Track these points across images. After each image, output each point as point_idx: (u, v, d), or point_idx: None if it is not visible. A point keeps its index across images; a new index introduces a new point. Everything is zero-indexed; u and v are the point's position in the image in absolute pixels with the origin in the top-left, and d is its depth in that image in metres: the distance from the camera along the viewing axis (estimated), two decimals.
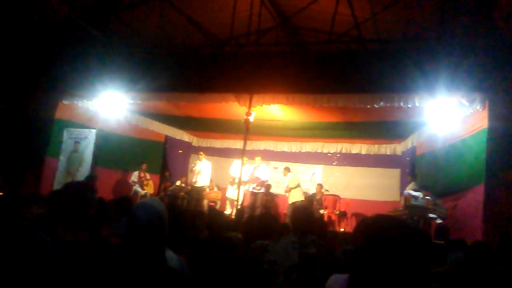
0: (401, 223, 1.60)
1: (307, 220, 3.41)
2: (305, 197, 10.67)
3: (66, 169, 9.61)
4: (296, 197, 10.33)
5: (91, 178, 8.98)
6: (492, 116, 6.28)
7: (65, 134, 9.71)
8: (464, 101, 6.48)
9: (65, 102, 9.35)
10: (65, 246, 2.23)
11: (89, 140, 9.61)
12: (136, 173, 11.31)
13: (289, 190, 10.52)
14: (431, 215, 7.89)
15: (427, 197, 8.00)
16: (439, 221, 7.83)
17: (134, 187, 11.14)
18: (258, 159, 10.78)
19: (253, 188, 10.63)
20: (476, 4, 6.52)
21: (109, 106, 9.17)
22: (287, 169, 10.84)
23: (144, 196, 10.92)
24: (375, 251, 1.51)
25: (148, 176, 11.50)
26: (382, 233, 1.53)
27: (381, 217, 1.63)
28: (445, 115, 7.26)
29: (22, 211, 2.38)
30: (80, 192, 2.35)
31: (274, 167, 12.88)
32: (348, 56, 7.44)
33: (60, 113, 9.58)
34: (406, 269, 1.48)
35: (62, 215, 2.27)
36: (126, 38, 8.87)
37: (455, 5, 6.69)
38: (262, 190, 10.65)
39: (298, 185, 10.54)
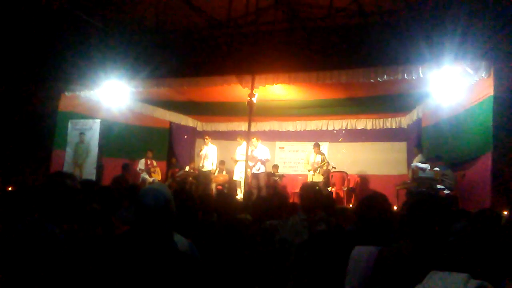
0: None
1: (315, 197, 3.42)
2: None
3: (73, 160, 9.67)
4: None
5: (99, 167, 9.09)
6: (497, 84, 6.21)
7: (70, 126, 9.75)
8: (469, 70, 6.39)
9: (67, 93, 9.36)
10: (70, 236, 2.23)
11: (94, 131, 9.63)
12: (142, 161, 11.36)
13: (316, 169, 10.39)
14: (439, 186, 7.88)
15: (435, 168, 7.97)
16: (447, 191, 7.82)
17: (141, 174, 11.21)
18: (254, 140, 10.71)
19: (252, 167, 10.55)
20: None
21: (112, 95, 9.16)
22: (317, 146, 10.59)
23: (152, 183, 10.99)
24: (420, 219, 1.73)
25: (155, 163, 11.55)
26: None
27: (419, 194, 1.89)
28: (450, 85, 7.19)
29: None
30: (57, 182, 2.30)
31: (280, 147, 12.88)
32: (348, 30, 7.35)
33: (63, 105, 9.62)
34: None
35: (47, 208, 2.24)
36: (125, 25, 8.79)
37: None
38: (262, 169, 10.62)
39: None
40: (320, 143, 10.76)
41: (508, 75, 6.13)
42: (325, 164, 10.30)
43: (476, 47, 6.13)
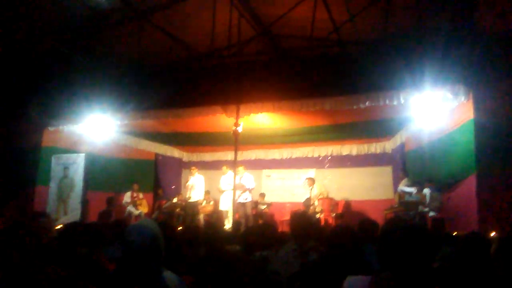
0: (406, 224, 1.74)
1: (306, 226, 3.40)
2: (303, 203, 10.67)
3: (58, 195, 9.50)
4: None
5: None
6: (477, 107, 6.36)
7: (53, 161, 9.62)
8: (449, 94, 6.54)
9: (50, 128, 9.28)
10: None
11: (78, 165, 9.51)
12: (128, 194, 11.22)
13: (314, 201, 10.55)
14: (425, 209, 7.94)
15: (424, 190, 8.04)
16: (431, 214, 7.88)
17: (127, 207, 11.05)
18: (241, 168, 10.71)
19: (239, 196, 10.52)
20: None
21: (96, 128, 9.12)
22: (312, 180, 10.82)
23: (139, 215, 10.83)
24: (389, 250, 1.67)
25: (141, 195, 11.42)
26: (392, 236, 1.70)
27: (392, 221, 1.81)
28: (431, 110, 7.33)
29: None
30: (26, 222, 2.28)
31: (266, 175, 12.86)
32: (330, 59, 7.50)
33: (46, 140, 9.50)
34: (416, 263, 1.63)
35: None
36: (108, 59, 8.83)
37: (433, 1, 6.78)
38: (249, 198, 10.59)
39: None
40: (306, 169, 10.81)
41: (487, 98, 6.28)
42: (325, 193, 10.46)
43: (454, 72, 6.27)
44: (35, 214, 2.50)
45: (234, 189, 8.51)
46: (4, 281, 2.04)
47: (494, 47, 6.19)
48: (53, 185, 9.54)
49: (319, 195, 10.60)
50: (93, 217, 9.61)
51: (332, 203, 10.86)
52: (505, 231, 5.39)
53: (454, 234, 5.83)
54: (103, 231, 3.65)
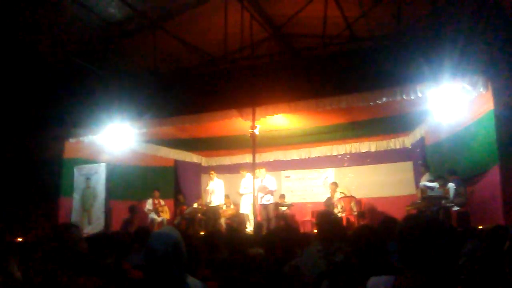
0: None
1: (332, 227, 3.37)
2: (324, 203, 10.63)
3: (81, 206, 9.66)
4: None
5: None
6: (497, 98, 6.24)
7: (76, 172, 9.78)
8: (467, 86, 6.43)
9: (71, 140, 9.44)
10: None
11: (99, 175, 9.65)
12: (150, 201, 11.31)
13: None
14: (449, 204, 7.81)
15: (449, 184, 7.90)
16: (456, 208, 7.74)
17: (149, 215, 11.15)
18: (262, 171, 10.72)
19: (262, 198, 10.54)
20: None
21: (115, 138, 9.23)
22: (335, 185, 10.81)
23: (161, 222, 10.92)
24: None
25: (162, 202, 11.50)
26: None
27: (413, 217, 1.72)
28: (450, 102, 7.21)
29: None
30: (58, 233, 2.32)
31: (286, 176, 12.84)
32: (343, 57, 7.46)
33: (68, 152, 9.67)
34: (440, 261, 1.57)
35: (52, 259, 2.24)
36: (124, 69, 8.96)
37: None
38: (271, 200, 10.60)
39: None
40: (325, 168, 10.75)
41: (506, 89, 6.16)
42: (346, 191, 10.61)
43: (472, 63, 6.17)
44: (67, 225, 2.53)
45: (254, 192, 8.51)
46: None
47: None
48: (76, 196, 9.69)
49: (342, 194, 10.60)
50: (116, 226, 9.75)
51: (353, 202, 10.77)
52: None
53: (479, 228, 5.73)
54: (127, 239, 3.70)
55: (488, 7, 6.26)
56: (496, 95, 6.24)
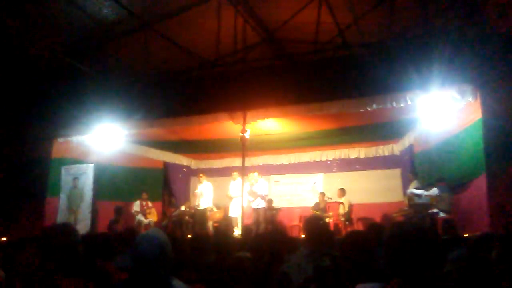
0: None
1: (320, 232, 3.37)
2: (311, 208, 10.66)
3: (68, 206, 9.57)
4: None
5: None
6: (485, 107, 6.31)
7: (63, 172, 9.69)
8: (456, 94, 6.50)
9: (59, 140, 9.35)
10: None
11: (87, 175, 9.58)
12: (137, 203, 11.24)
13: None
14: (435, 211, 7.87)
15: (432, 189, 7.96)
16: (442, 215, 7.81)
17: (136, 216, 11.07)
18: (255, 174, 10.72)
19: (252, 202, 10.54)
20: None
21: (104, 138, 9.17)
22: (343, 191, 10.88)
23: (148, 224, 10.85)
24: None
25: (150, 204, 11.44)
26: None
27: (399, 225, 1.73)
28: (439, 110, 7.29)
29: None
30: (63, 238, 2.30)
31: (275, 181, 12.83)
32: (335, 63, 7.49)
33: (56, 151, 9.58)
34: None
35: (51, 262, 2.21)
36: (114, 70, 8.91)
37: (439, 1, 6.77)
38: (261, 205, 10.58)
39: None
40: (314, 174, 10.79)
41: (494, 98, 6.24)
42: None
43: (461, 72, 6.24)
44: (67, 225, 2.50)
45: (242, 195, 8.50)
46: None
47: (501, 46, 6.14)
48: (63, 196, 9.60)
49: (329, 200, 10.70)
50: (102, 227, 9.67)
51: (341, 207, 10.80)
52: None
53: (465, 236, 5.78)
54: (112, 241, 3.67)
55: (477, 17, 6.35)
56: (485, 104, 6.31)
